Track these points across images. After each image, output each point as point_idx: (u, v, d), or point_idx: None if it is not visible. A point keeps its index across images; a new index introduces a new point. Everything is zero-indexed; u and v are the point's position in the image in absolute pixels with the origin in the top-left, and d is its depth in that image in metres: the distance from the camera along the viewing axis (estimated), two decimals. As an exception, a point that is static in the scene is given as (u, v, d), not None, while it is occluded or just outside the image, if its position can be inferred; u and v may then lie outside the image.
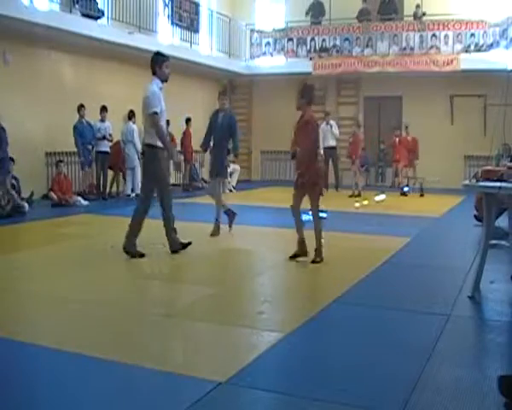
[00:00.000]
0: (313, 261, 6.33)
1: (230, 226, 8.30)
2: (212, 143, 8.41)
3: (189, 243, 6.83)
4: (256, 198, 13.47)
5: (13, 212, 9.74)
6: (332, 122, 14.99)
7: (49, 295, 5.08)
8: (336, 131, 14.91)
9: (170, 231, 6.70)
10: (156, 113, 6.40)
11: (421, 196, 14.12)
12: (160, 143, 6.51)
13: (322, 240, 6.45)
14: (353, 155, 14.21)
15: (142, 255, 6.50)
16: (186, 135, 14.99)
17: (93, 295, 5.22)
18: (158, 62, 6.59)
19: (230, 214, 8.31)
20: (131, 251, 6.48)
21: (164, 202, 6.64)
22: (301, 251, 6.46)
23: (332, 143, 14.78)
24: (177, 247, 6.73)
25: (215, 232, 8.09)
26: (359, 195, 13.58)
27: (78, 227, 8.91)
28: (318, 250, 6.39)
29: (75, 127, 12.03)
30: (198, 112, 16.60)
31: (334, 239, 8.08)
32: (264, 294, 5.28)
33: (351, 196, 13.55)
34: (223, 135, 8.20)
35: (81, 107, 12.10)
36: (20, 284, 5.45)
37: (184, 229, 8.53)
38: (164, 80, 6.62)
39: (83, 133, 12.07)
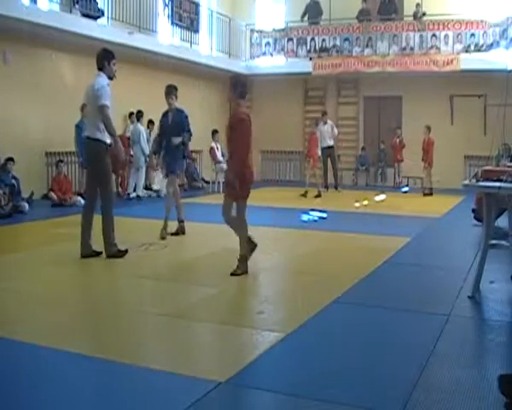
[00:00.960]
0: (232, 274, 5.76)
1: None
2: (164, 144, 8.20)
3: (126, 251, 6.56)
4: (256, 198, 13.40)
5: (13, 212, 9.78)
6: (330, 122, 15.01)
7: (49, 295, 5.08)
8: (335, 130, 14.97)
9: (108, 232, 6.51)
10: (107, 106, 6.32)
11: (425, 195, 14.16)
12: (106, 138, 6.42)
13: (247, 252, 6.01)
14: (310, 155, 13.80)
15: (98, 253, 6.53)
16: None
17: (93, 295, 5.23)
18: (106, 59, 6.52)
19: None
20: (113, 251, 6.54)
21: (105, 200, 6.55)
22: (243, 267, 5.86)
23: (330, 142, 14.79)
24: (111, 251, 6.51)
25: (179, 231, 7.94)
26: (319, 195, 13.45)
27: (78, 227, 8.84)
28: (241, 259, 5.89)
29: (77, 126, 12.04)
30: (197, 112, 16.61)
31: (334, 239, 8.11)
32: (264, 294, 5.28)
33: (303, 195, 13.45)
34: (174, 133, 8.01)
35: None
36: (20, 284, 5.44)
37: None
38: (110, 77, 6.55)
39: (81, 133, 12.06)
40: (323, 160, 15.08)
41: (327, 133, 14.75)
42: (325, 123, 14.87)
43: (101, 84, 6.40)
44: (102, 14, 12.60)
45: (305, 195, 13.48)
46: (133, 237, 7.28)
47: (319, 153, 13.94)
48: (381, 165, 17.39)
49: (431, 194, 14.28)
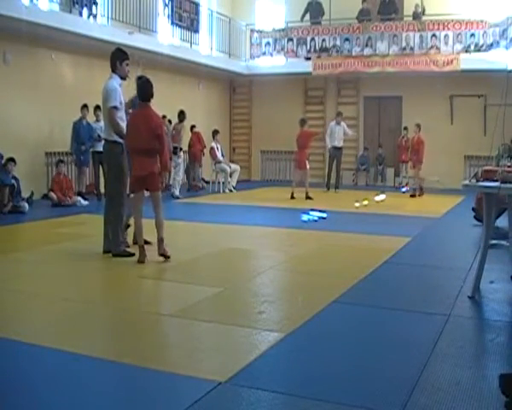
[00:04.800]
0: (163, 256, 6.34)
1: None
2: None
3: (132, 254, 6.54)
4: (256, 198, 13.47)
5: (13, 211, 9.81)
6: (343, 123, 14.96)
7: (49, 295, 5.08)
8: (348, 131, 14.93)
9: (116, 231, 6.58)
10: (116, 107, 6.40)
11: (412, 196, 13.91)
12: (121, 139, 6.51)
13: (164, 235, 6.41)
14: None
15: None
16: (194, 139, 15.01)
17: (93, 294, 5.23)
18: (119, 59, 6.57)
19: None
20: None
21: (117, 198, 6.59)
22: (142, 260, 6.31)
23: (338, 144, 14.73)
24: (117, 250, 6.56)
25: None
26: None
27: (78, 227, 8.90)
28: (161, 242, 6.36)
29: (74, 124, 12.05)
30: (198, 112, 16.62)
31: (334, 239, 8.11)
32: (264, 294, 5.28)
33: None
34: None
35: (84, 107, 12.12)
36: (20, 284, 5.45)
37: (185, 228, 8.55)
38: (123, 78, 6.62)
39: (79, 132, 12.09)
40: (329, 159, 15.03)
41: (337, 134, 14.67)
42: (338, 123, 14.77)
43: (110, 86, 6.47)
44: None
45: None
46: (132, 237, 7.26)
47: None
48: (379, 168, 17.40)
49: (421, 194, 13.97)
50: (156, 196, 6.46)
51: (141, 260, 6.30)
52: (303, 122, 13.79)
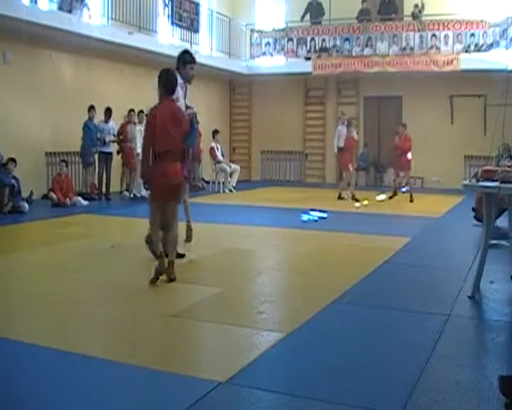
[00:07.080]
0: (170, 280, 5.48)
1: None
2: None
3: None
4: (256, 198, 13.48)
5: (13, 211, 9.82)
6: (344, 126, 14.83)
7: (49, 295, 5.07)
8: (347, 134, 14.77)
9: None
10: None
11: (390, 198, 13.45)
12: None
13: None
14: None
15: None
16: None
17: (93, 295, 5.22)
18: (182, 61, 6.64)
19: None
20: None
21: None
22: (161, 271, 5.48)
23: (342, 144, 14.60)
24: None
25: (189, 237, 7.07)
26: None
27: (78, 227, 8.91)
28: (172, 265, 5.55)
29: (86, 124, 12.03)
30: (197, 112, 16.60)
31: (334, 239, 8.11)
32: (264, 294, 5.28)
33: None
34: None
35: (91, 108, 12.11)
36: (20, 284, 5.44)
37: (184, 229, 8.54)
38: (187, 81, 6.69)
39: (91, 134, 12.08)
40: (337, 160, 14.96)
41: (343, 134, 14.45)
42: (343, 123, 14.48)
43: None
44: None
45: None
46: (134, 236, 7.27)
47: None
48: (379, 170, 17.40)
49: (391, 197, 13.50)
50: (176, 207, 5.70)
51: (159, 273, 5.48)
52: (349, 124, 13.62)
